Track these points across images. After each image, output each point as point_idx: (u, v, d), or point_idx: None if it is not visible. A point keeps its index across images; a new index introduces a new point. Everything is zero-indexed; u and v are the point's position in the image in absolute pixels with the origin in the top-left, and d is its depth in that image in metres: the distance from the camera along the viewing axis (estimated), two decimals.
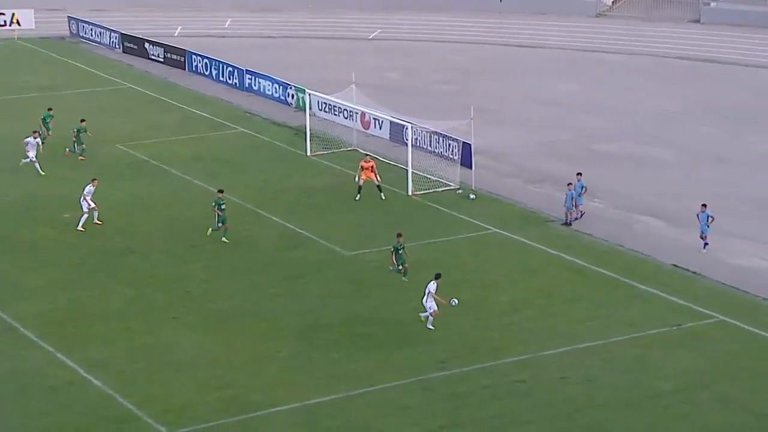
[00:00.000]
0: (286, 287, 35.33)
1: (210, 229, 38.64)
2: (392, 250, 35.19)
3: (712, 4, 72.46)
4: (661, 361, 30.64)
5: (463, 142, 45.26)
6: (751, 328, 32.57)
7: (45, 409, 28.23)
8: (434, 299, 31.90)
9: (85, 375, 29.86)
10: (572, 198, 40.04)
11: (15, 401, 28.64)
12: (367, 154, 44.28)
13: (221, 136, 51.27)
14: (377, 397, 28.81)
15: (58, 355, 30.84)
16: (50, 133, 48.26)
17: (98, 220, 40.06)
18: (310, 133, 48.35)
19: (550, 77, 61.24)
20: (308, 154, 48.04)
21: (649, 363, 30.53)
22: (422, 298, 32.11)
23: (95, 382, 29.52)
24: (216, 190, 39.63)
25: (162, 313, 33.53)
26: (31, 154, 45.07)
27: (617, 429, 27.37)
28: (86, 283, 35.63)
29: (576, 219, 40.44)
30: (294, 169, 46.62)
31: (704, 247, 38.01)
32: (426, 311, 32.09)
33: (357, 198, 42.54)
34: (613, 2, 75.90)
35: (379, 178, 42.78)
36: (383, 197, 42.62)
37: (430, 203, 42.54)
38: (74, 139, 47.00)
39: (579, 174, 41.08)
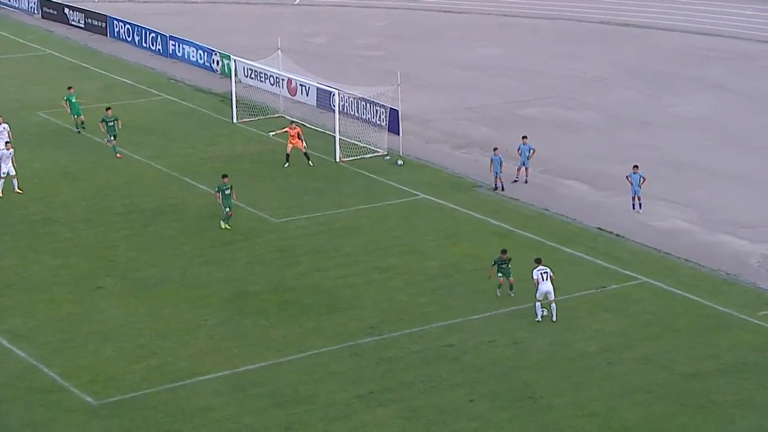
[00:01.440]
0: (214, 255, 35.13)
1: (222, 221, 36.71)
2: (493, 263, 32.23)
3: None
4: (586, 322, 31.03)
5: (391, 108, 45.25)
6: (672, 289, 33.09)
7: None
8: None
9: (8, 346, 29.48)
10: (500, 162, 40.26)
11: None
12: (293, 121, 44.09)
13: (145, 103, 50.70)
14: (307, 363, 28.82)
15: None
16: (83, 117, 45.35)
17: (19, 189, 39.45)
18: (236, 100, 48.02)
19: (475, 42, 61.39)
20: (234, 121, 47.72)
21: (574, 325, 30.90)
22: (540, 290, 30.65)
23: (19, 353, 29.17)
24: (221, 176, 37.30)
25: (87, 283, 33.18)
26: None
27: (544, 390, 27.68)
28: (8, 253, 35.12)
29: (525, 181, 40.75)
30: (220, 137, 46.29)
31: (639, 208, 38.51)
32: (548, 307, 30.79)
33: (285, 165, 42.37)
34: None
35: (305, 145, 42.63)
36: (311, 164, 42.51)
37: (358, 169, 42.51)
38: (104, 130, 43.10)
39: (524, 137, 41.33)
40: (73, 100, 45.52)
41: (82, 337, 30.07)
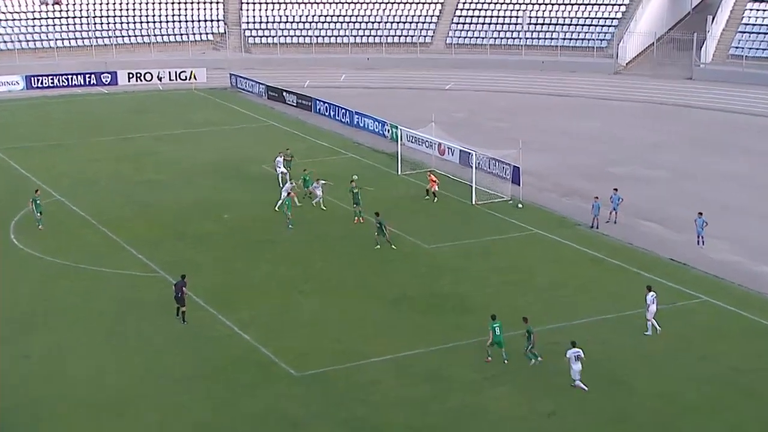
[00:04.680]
0: (382, 269, 35.19)
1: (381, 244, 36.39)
2: (525, 334, 27.47)
3: (701, 65, 70.85)
4: (660, 328, 29.85)
5: (513, 166, 44.70)
6: (726, 306, 31.65)
7: (210, 355, 28.55)
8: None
9: (237, 331, 30.09)
10: (599, 208, 39.28)
11: (189, 348, 28.99)
12: (431, 170, 44.77)
13: (336, 159, 51.34)
14: (448, 351, 28.54)
15: (219, 315, 31.13)
16: (311, 190, 41.65)
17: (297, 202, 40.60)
18: (401, 158, 48.21)
19: (578, 118, 60.36)
20: (399, 173, 47.90)
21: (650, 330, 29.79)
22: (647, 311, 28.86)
23: (244, 335, 29.74)
24: (374, 214, 37.06)
25: (291, 286, 33.60)
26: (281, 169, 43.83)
27: (626, 376, 26.79)
28: (237, 263, 35.83)
29: (614, 222, 39.52)
30: (388, 184, 46.44)
31: (702, 244, 37.19)
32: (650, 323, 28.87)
33: (426, 198, 42.91)
34: (627, 63, 74.53)
35: (436, 187, 43.24)
36: (435, 201, 42.61)
37: (488, 210, 42.09)
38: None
39: (615, 189, 40.34)
40: (307, 178, 43.11)
41: (288, 325, 30.45)
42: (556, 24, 77.46)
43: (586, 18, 77.22)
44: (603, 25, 76.49)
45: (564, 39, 76.63)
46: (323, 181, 42.22)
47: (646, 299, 29.43)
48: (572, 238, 38.51)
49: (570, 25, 77.33)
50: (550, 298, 32.42)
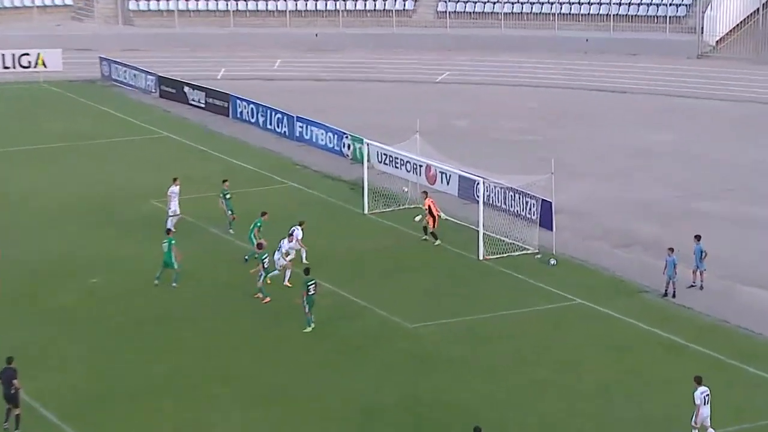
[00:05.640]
0: (340, 363, 35.17)
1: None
2: None
3: None
4: None
5: (542, 200, 45.08)
6: None
7: None
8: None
9: None
10: (675, 265, 39.57)
11: None
12: (424, 191, 45.99)
13: (267, 191, 51.49)
14: None
15: None
16: (235, 216, 45.36)
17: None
18: (369, 189, 48.44)
19: (642, 126, 61.05)
20: (366, 211, 48.11)
21: None
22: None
23: None
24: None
25: (200, 390, 33.43)
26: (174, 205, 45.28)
27: None
28: (115, 356, 35.62)
29: (701, 287, 40.14)
30: (350, 229, 46.65)
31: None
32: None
33: (424, 238, 44.48)
34: (717, 41, 75.22)
35: (436, 222, 44.19)
36: (436, 243, 44.02)
37: (504, 269, 42.34)
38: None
39: (697, 237, 40.59)
40: (228, 196, 45.58)
41: None
42: None
43: None
44: None
45: (620, 4, 77.72)
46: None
47: (693, 398, 29.74)
48: (634, 312, 38.76)
49: None
50: (601, 408, 32.45)
